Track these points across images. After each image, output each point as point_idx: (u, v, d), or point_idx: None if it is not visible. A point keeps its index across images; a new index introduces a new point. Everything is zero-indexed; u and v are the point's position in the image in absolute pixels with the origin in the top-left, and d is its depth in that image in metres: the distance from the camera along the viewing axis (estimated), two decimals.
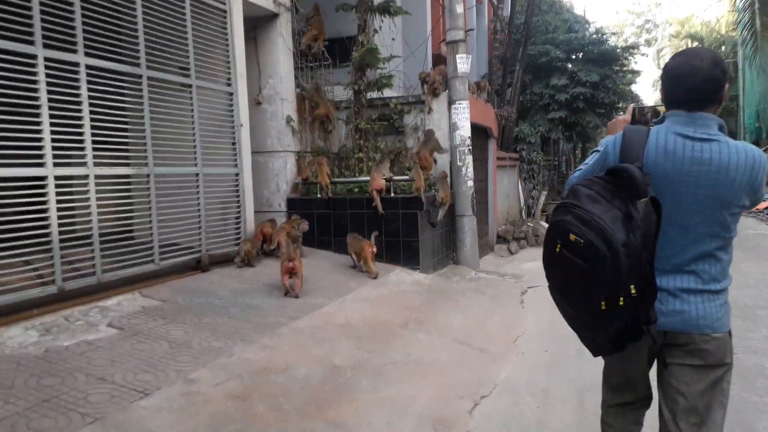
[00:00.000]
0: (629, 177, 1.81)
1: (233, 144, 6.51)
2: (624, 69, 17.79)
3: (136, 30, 5.26)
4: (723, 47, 29.72)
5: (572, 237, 1.82)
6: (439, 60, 11.35)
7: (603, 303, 1.78)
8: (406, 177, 7.50)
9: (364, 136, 7.97)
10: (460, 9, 8.47)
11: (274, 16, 7.55)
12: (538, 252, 11.20)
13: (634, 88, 18.63)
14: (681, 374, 2.02)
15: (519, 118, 16.49)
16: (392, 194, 7.35)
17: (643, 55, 19.13)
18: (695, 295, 1.96)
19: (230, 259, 6.51)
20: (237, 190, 6.54)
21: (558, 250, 1.90)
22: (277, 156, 7.72)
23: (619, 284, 1.74)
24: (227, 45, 6.41)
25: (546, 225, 14.08)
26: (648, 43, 21.78)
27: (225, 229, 6.45)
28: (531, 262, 9.90)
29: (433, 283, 6.85)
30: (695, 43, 31.99)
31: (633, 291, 1.76)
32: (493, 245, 11.52)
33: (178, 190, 5.74)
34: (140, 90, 5.29)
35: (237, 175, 6.54)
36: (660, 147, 1.92)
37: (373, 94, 8.46)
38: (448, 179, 8.46)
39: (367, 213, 7.33)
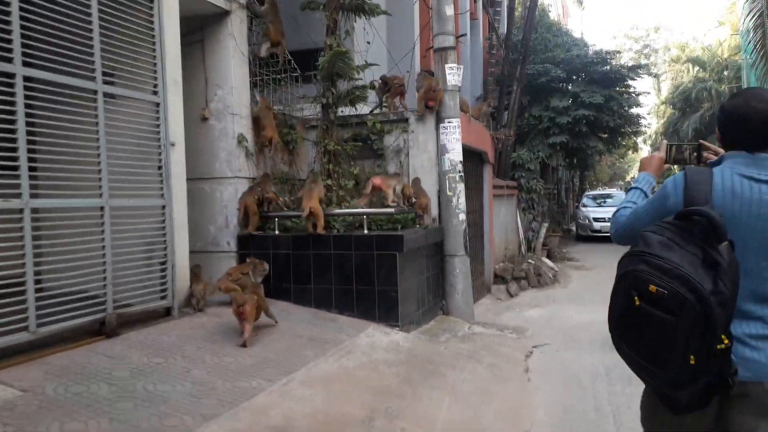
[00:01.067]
0: (708, 220, 1.70)
1: (160, 168, 5.10)
2: (630, 91, 16.57)
3: (8, 14, 3.88)
4: (726, 71, 28.74)
5: (653, 288, 1.68)
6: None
7: (692, 357, 1.64)
8: (387, 209, 6.10)
9: (335, 159, 6.57)
10: (450, 11, 7.18)
11: (224, 15, 6.21)
12: (540, 294, 9.76)
13: (639, 111, 17.34)
14: (743, 425, 1.85)
15: (517, 142, 15.22)
16: (366, 230, 5.93)
17: (652, 75, 17.73)
18: (764, 341, 1.83)
19: (155, 316, 5.06)
20: (163, 228, 5.10)
21: (636, 303, 1.72)
22: (226, 183, 6.31)
23: (713, 336, 1.62)
24: (154, 44, 5.04)
25: (549, 261, 12.70)
26: (648, 68, 20.37)
27: (147, 278, 4.99)
28: (534, 309, 8.44)
29: (415, 346, 5.38)
30: (696, 68, 31.06)
31: (725, 341, 1.65)
32: (489, 286, 10.08)
33: (72, 229, 4.29)
34: (12, 95, 3.88)
35: (164, 207, 5.11)
36: (727, 188, 1.84)
37: (347, 110, 7.11)
38: (433, 210, 7.08)
39: (335, 254, 5.89)
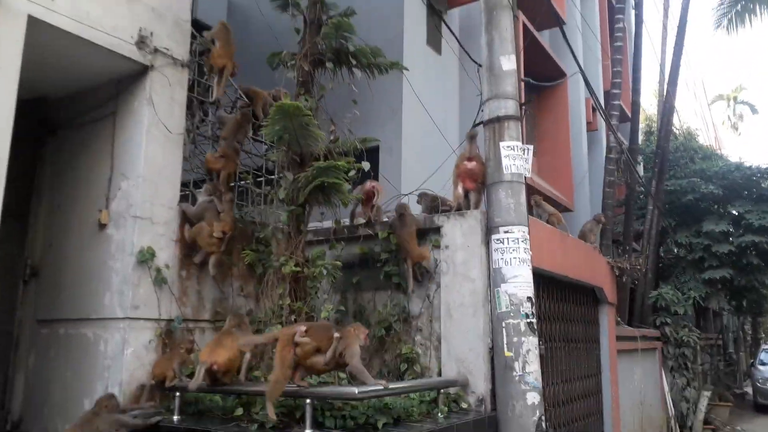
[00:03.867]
0: None
1: None
2: None
3: None
4: None
5: None
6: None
7: None
8: (345, 388, 3.19)
9: (295, 291, 3.89)
10: (508, 64, 4.59)
11: (141, 73, 4.14)
12: None
13: None
14: None
15: (658, 278, 11.55)
16: (308, 430, 3.02)
17: None
18: None
19: None
20: None
21: None
22: (112, 328, 3.85)
23: None
24: None
25: None
26: None
27: None
28: None
29: None
30: None
31: None
32: None
33: None
34: None
35: None
36: None
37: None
38: (479, 383, 4.05)
39: None
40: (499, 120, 4.51)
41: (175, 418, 3.57)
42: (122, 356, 3.74)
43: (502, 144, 4.43)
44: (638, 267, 8.06)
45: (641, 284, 10.33)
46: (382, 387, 3.15)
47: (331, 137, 4.03)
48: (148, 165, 4.02)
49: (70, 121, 4.45)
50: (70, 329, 4.06)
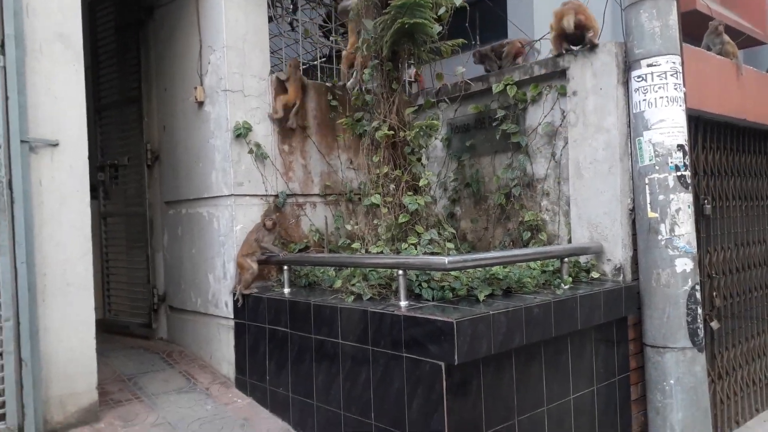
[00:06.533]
0: None
1: None
2: None
3: None
4: None
5: None
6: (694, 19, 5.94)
7: None
8: (433, 258, 2.82)
9: (392, 157, 3.52)
10: None
11: None
12: None
13: None
14: None
15: None
16: (403, 301, 2.77)
17: None
18: None
19: None
20: None
21: None
22: (222, 205, 3.85)
23: None
24: None
25: None
26: None
27: None
28: None
29: None
30: None
31: None
32: None
33: None
34: None
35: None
36: None
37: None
38: (616, 249, 3.48)
39: (344, 347, 2.91)
40: None
41: (286, 290, 3.54)
42: (232, 233, 3.74)
43: None
44: None
45: None
46: (445, 259, 2.71)
47: None
48: (230, 33, 3.76)
49: None
50: (189, 209, 4.16)
